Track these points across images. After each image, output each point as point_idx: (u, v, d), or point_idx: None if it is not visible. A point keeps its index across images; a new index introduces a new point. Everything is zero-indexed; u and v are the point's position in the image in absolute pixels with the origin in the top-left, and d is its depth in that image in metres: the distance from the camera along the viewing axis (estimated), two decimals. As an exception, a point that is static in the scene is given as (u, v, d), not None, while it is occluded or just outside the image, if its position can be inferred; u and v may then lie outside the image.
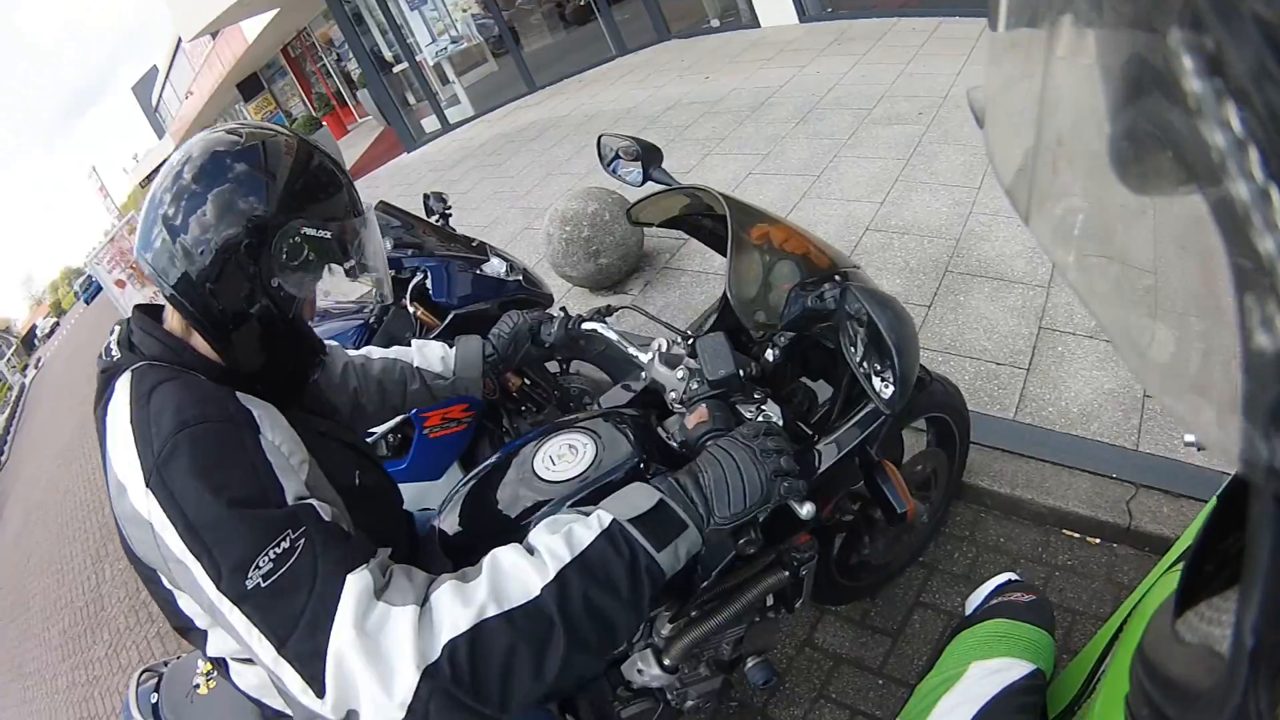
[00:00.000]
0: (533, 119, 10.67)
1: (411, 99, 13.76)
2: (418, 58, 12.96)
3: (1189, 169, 0.34)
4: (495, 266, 3.67)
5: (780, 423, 1.73)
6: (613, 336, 2.18)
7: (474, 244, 3.81)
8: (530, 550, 1.25)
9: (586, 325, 2.25)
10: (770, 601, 2.06)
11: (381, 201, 3.74)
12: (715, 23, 11.58)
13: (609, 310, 2.37)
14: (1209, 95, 0.31)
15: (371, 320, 3.51)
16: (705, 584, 1.77)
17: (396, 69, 13.49)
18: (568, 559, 1.21)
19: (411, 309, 3.44)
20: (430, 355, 2.24)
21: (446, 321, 3.47)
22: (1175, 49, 0.32)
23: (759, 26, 10.48)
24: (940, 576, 3.27)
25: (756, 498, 1.35)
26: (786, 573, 1.89)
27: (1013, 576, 1.74)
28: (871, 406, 2.06)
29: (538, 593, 1.17)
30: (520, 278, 3.73)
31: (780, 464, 1.39)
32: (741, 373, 1.67)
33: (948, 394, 2.91)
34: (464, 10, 13.01)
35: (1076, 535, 3.36)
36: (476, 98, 13.15)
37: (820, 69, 8.17)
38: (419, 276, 3.46)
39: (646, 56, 11.51)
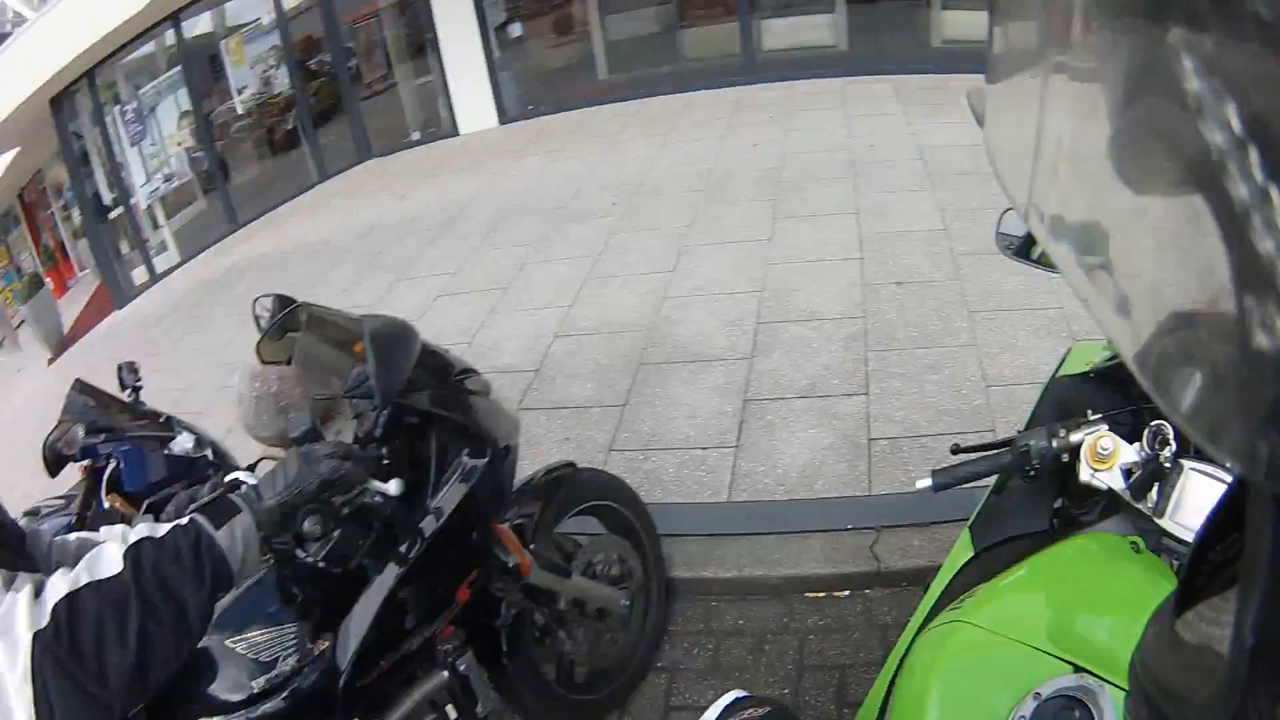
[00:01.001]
0: (233, 262, 10.27)
1: (125, 247, 13.05)
2: (133, 200, 12.29)
3: (1189, 169, 0.34)
4: (183, 443, 3.35)
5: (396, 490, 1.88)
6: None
7: (161, 419, 3.45)
8: (124, 538, 1.46)
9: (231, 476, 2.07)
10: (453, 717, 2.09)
11: (78, 380, 3.42)
12: (416, 135, 11.45)
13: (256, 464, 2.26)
14: (1209, 95, 0.30)
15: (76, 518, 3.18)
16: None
17: (113, 214, 12.77)
18: (146, 537, 1.42)
19: (107, 502, 3.14)
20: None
21: (143, 509, 3.10)
22: (1175, 49, 0.32)
23: (459, 134, 10.39)
24: (685, 676, 3.18)
25: (293, 477, 1.63)
26: (445, 672, 2.00)
27: (740, 694, 1.63)
28: (470, 464, 2.21)
29: (119, 565, 1.36)
30: (208, 452, 3.38)
31: (328, 460, 1.70)
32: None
33: (603, 484, 3.01)
34: (179, 144, 12.43)
35: (822, 594, 3.35)
36: (184, 241, 12.51)
37: (516, 172, 8.26)
38: (113, 464, 3.17)
39: (348, 179, 11.29)
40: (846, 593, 3.31)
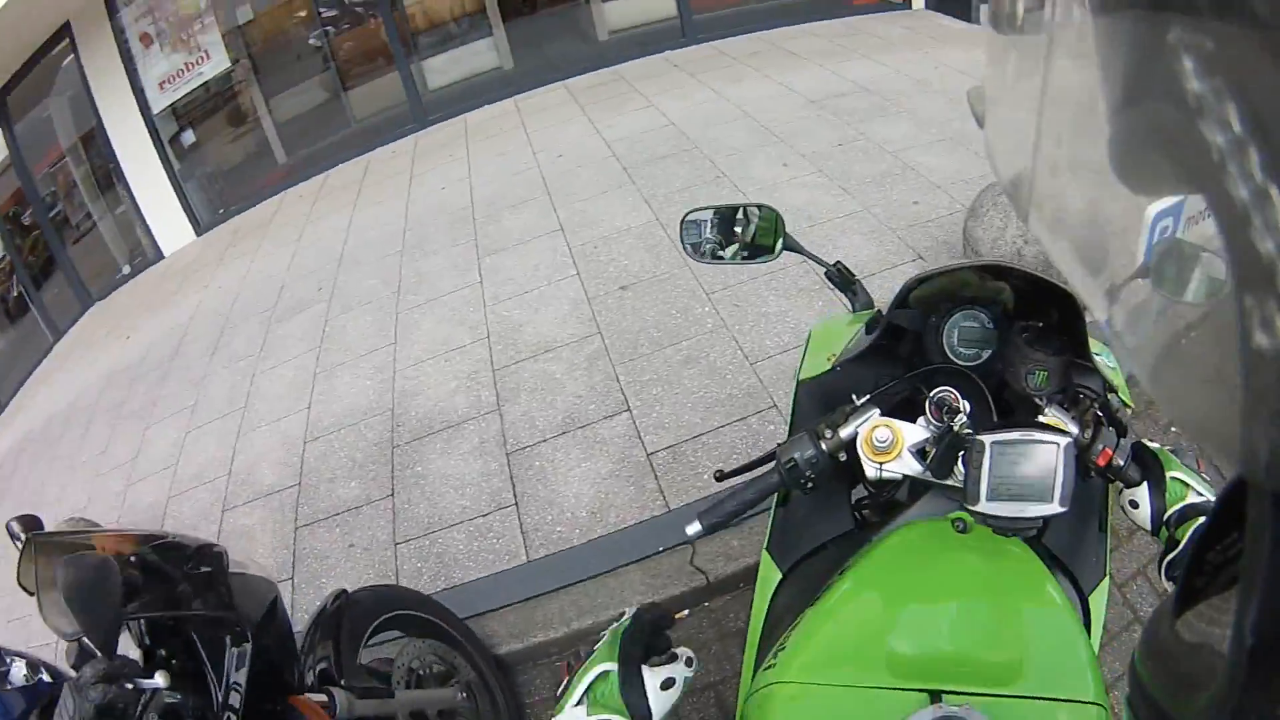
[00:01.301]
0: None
1: None
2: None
3: (1189, 169, 0.33)
4: (17, 672, 3.16)
5: None
6: None
7: None
8: None
9: None
10: None
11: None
12: (127, 269, 10.72)
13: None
14: (1209, 95, 0.30)
15: None
16: None
17: None
18: None
19: None
20: None
21: None
22: (1175, 49, 0.31)
23: (163, 256, 9.79)
24: None
25: (71, 711, 1.57)
26: None
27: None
28: (235, 653, 2.03)
29: None
30: (43, 674, 3.22)
31: (96, 687, 1.63)
32: None
33: (382, 596, 2.89)
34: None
35: None
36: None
37: (221, 282, 7.80)
38: None
39: (78, 332, 10.45)
40: (686, 613, 3.27)
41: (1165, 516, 1.45)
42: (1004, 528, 1.33)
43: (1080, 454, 1.44)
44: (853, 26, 9.74)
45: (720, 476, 1.64)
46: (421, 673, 2.70)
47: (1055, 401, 1.53)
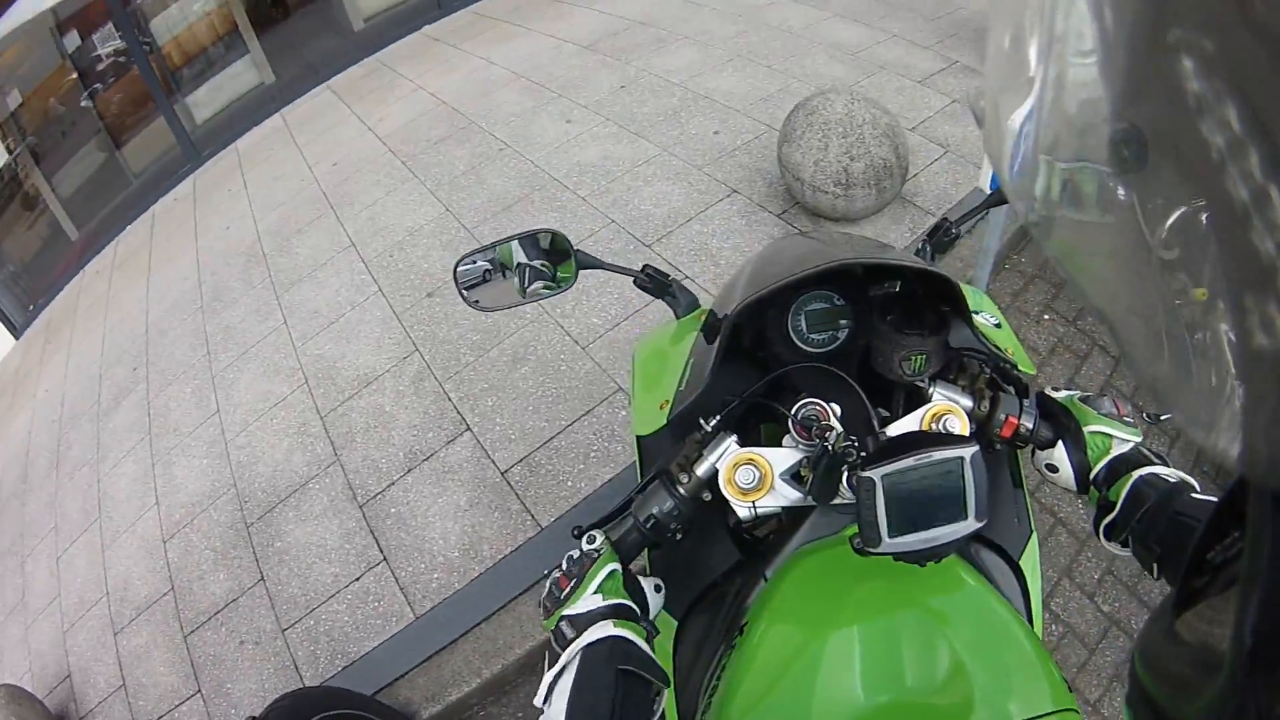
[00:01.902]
0: None
1: None
2: None
3: (1189, 170, 0.33)
4: None
5: None
6: None
7: None
8: None
9: None
10: None
11: None
12: (-38, 391, 9.89)
13: None
14: (1209, 95, 0.30)
15: None
16: None
17: None
18: None
19: None
20: None
21: None
22: (1175, 49, 0.31)
23: (-13, 370, 9.02)
24: None
25: None
26: None
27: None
28: None
29: None
30: None
31: None
32: None
33: (287, 709, 2.63)
34: None
35: None
36: None
37: (47, 386, 7.09)
38: None
39: None
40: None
41: (1092, 475, 1.34)
42: (917, 559, 1.10)
43: (981, 428, 1.35)
44: None
45: (579, 533, 1.37)
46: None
47: (942, 379, 1.37)
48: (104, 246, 8.49)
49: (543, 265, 1.73)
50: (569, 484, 3.41)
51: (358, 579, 3.53)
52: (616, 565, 1.25)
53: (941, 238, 1.73)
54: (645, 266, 1.75)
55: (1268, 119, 0.27)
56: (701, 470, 1.26)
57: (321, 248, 5.70)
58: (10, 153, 8.64)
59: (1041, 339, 3.81)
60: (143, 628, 4.10)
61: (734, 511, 1.27)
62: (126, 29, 8.52)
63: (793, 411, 1.27)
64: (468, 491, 3.54)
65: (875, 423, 1.27)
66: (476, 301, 1.73)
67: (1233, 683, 0.42)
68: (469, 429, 3.81)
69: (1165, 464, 1.29)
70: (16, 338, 8.76)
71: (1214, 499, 1.11)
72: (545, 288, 1.74)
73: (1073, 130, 0.41)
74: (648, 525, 1.28)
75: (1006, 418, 1.32)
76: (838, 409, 1.27)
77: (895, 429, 1.24)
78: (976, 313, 1.43)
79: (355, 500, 3.78)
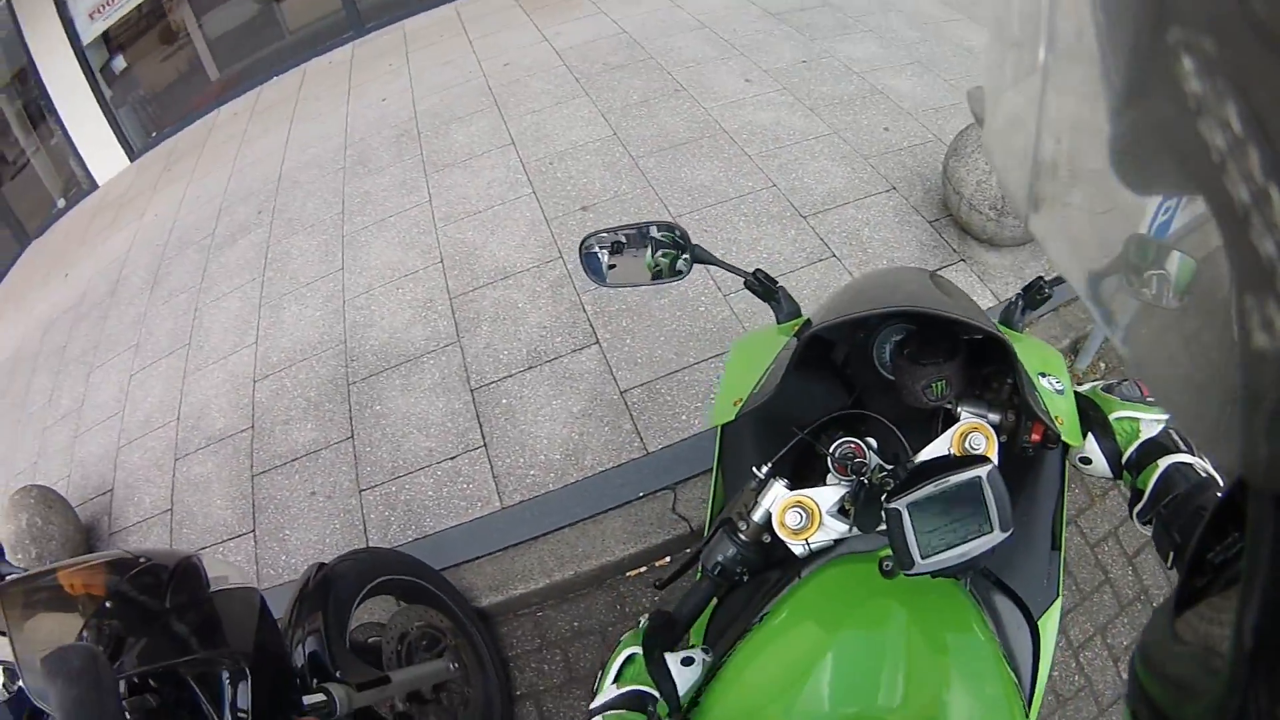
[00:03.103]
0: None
1: None
2: None
3: (1189, 169, 0.32)
4: None
5: None
6: None
7: None
8: None
9: None
10: None
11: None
12: (61, 203, 10.12)
13: None
14: (1209, 95, 0.29)
15: None
16: None
17: None
18: None
19: None
20: None
21: None
22: (1175, 49, 0.30)
23: (98, 186, 9.22)
24: (548, 696, 2.99)
25: None
26: None
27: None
28: (231, 693, 1.92)
29: None
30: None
31: None
32: None
33: (361, 564, 2.66)
34: None
35: (644, 569, 3.16)
36: None
37: (157, 210, 7.23)
38: None
39: (15, 275, 9.91)
40: (668, 560, 3.11)
41: (1124, 459, 1.43)
42: (953, 575, 1.22)
43: (1011, 438, 1.46)
44: None
45: (660, 585, 1.59)
46: (412, 646, 2.57)
47: (968, 398, 1.49)
48: (246, 91, 8.60)
49: (663, 255, 1.86)
50: (683, 418, 3.35)
51: (452, 458, 3.49)
52: (636, 649, 1.36)
53: (1034, 295, 1.84)
54: (756, 270, 1.85)
55: (1268, 119, 0.27)
56: (758, 516, 1.37)
57: (480, 139, 5.67)
58: None
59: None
60: (208, 459, 4.09)
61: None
62: None
63: (831, 451, 1.43)
64: (583, 401, 3.51)
65: (908, 450, 1.40)
66: (596, 275, 1.85)
67: (1233, 683, 0.41)
68: (598, 343, 3.77)
69: (1194, 452, 1.35)
70: (132, 160, 8.94)
71: None
72: (661, 276, 1.86)
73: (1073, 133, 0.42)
74: (715, 572, 1.38)
75: (1033, 424, 1.42)
76: (874, 443, 1.44)
77: (927, 452, 1.34)
78: (1044, 375, 1.49)
79: (468, 383, 3.74)
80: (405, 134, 6.13)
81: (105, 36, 8.87)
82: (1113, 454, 1.45)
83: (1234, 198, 0.28)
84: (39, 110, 9.41)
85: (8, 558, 3.07)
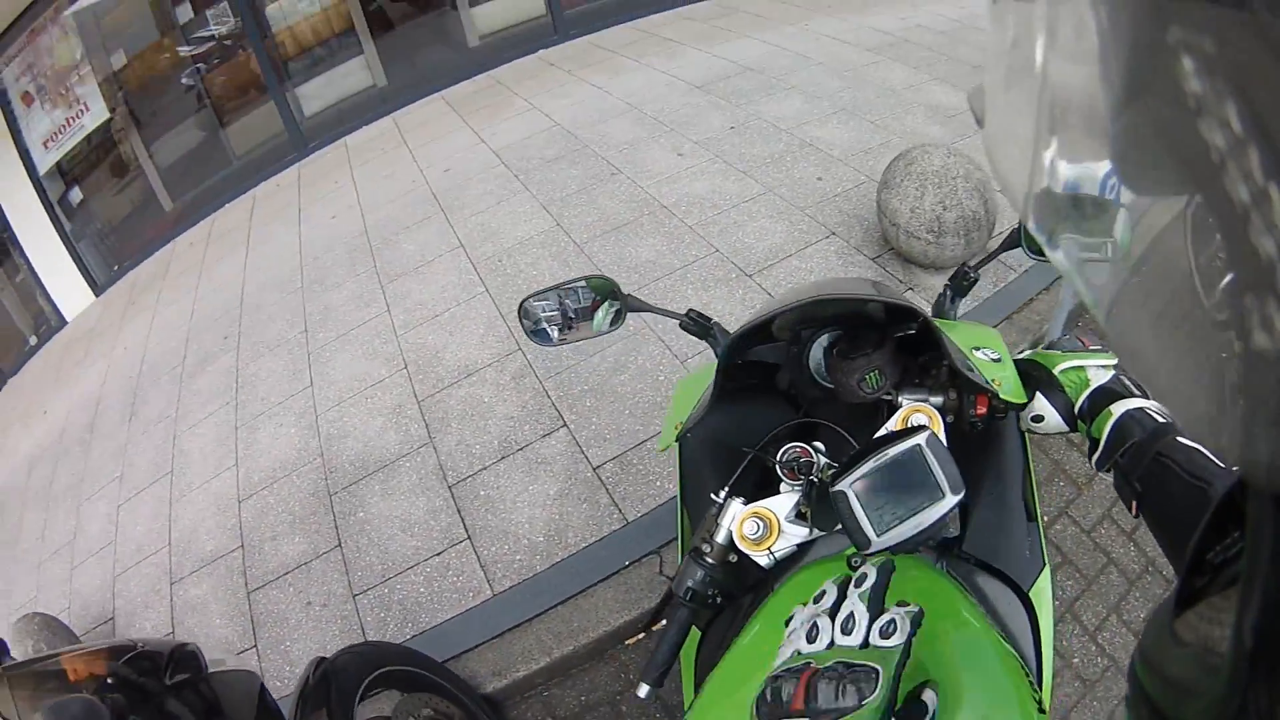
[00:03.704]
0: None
1: None
2: None
3: (1189, 169, 0.33)
4: None
5: None
6: None
7: None
8: None
9: None
10: None
11: None
12: (33, 340, 10.17)
13: None
14: (1209, 95, 0.30)
15: None
16: None
17: None
18: None
19: None
20: None
21: None
22: (1175, 49, 0.31)
23: (66, 322, 9.29)
24: None
25: None
26: None
27: None
28: None
29: None
30: None
31: None
32: None
33: (361, 655, 2.64)
34: None
35: (642, 635, 3.21)
36: None
37: (127, 343, 7.35)
38: None
39: None
40: (664, 622, 3.19)
41: (1076, 409, 1.42)
42: (914, 547, 1.22)
43: (958, 418, 1.46)
44: (725, 6, 9.65)
45: (645, 628, 1.65)
46: (420, 730, 2.59)
47: (907, 386, 1.50)
48: (199, 220, 8.79)
49: (595, 308, 1.90)
50: (658, 484, 3.51)
51: (439, 554, 3.63)
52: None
53: (960, 282, 1.92)
54: (689, 310, 1.87)
55: (1268, 119, 0.27)
56: (720, 537, 1.38)
57: (430, 246, 5.90)
58: (111, 112, 8.92)
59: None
60: (203, 580, 4.21)
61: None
62: (243, 9, 8.86)
63: (779, 459, 1.45)
64: (558, 482, 3.66)
65: (855, 445, 1.45)
66: (535, 337, 1.91)
67: (1233, 683, 0.43)
68: (565, 425, 3.95)
69: (1146, 396, 1.34)
70: (97, 294, 9.04)
71: (1196, 445, 1.18)
72: (597, 329, 1.90)
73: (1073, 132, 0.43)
74: (687, 598, 1.38)
75: (976, 397, 1.43)
76: (820, 445, 1.46)
77: (887, 432, 1.35)
78: (977, 349, 1.52)
79: (445, 480, 3.90)
80: (357, 248, 6.34)
81: (59, 167, 9.02)
82: (1064, 407, 1.44)
83: (1234, 198, 0.29)
84: (3, 245, 9.45)
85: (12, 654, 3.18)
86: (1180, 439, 1.20)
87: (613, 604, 3.23)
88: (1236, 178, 0.28)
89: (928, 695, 1.00)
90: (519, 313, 1.90)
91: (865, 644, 1.00)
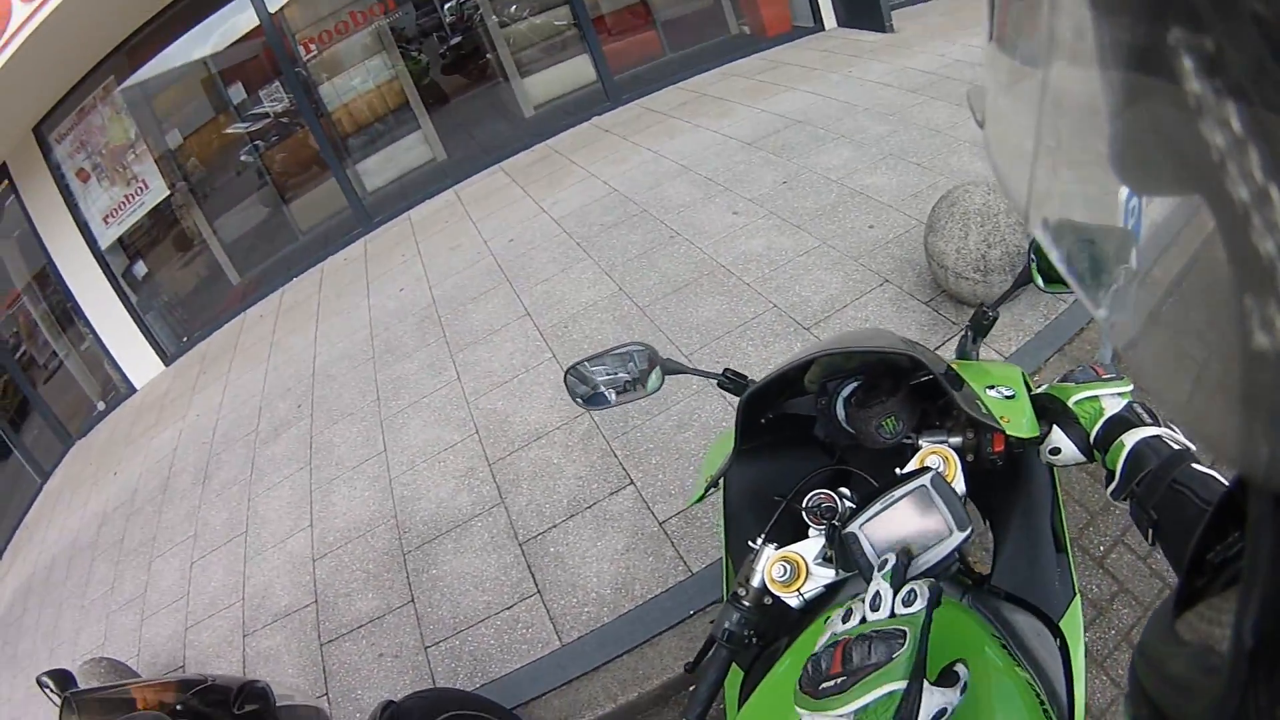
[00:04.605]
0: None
1: None
2: None
3: (1189, 169, 0.32)
4: None
5: None
6: None
7: None
8: None
9: None
10: None
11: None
12: (101, 405, 10.43)
13: None
14: (1209, 95, 0.29)
15: None
16: None
17: None
18: None
19: None
20: None
21: None
22: (1175, 49, 0.30)
23: (135, 390, 9.52)
24: None
25: None
26: None
27: None
28: None
29: None
30: None
31: None
32: None
33: (428, 700, 2.67)
34: None
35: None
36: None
37: (199, 411, 7.58)
38: None
39: (64, 472, 10.08)
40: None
41: (1091, 439, 1.42)
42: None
43: (977, 457, 1.49)
44: (771, 60, 9.78)
45: (689, 668, 1.59)
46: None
47: (927, 428, 1.55)
48: (268, 293, 9.05)
49: (636, 373, 2.00)
50: (721, 536, 3.58)
51: (509, 608, 3.72)
52: (899, 687, 1.10)
53: (980, 322, 1.97)
54: (726, 370, 1.92)
55: (1268, 119, 0.27)
56: (755, 581, 1.42)
57: (497, 315, 6.07)
58: (171, 189, 9.22)
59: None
60: (276, 633, 4.33)
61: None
62: (296, 89, 9.16)
63: (805, 505, 1.50)
64: (626, 538, 3.74)
65: (877, 487, 1.42)
66: (582, 401, 2.01)
67: (1233, 683, 0.43)
68: (633, 483, 4.03)
69: (1159, 424, 1.34)
70: (166, 364, 9.30)
71: (1211, 472, 1.18)
72: (637, 393, 2.01)
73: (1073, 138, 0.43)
74: (725, 639, 1.41)
75: (992, 436, 1.46)
76: (846, 491, 1.50)
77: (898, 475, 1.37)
78: (992, 387, 1.53)
79: (516, 538, 4.00)
80: (426, 319, 6.53)
81: (121, 242, 9.25)
82: (1080, 438, 1.44)
83: (1234, 198, 0.28)
84: (67, 313, 9.71)
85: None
86: (1195, 465, 1.21)
87: (677, 651, 3.28)
88: (1236, 178, 0.29)
89: (960, 668, 1.08)
90: (565, 379, 2.00)
91: (892, 614, 1.08)
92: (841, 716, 1.02)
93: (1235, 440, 0.33)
